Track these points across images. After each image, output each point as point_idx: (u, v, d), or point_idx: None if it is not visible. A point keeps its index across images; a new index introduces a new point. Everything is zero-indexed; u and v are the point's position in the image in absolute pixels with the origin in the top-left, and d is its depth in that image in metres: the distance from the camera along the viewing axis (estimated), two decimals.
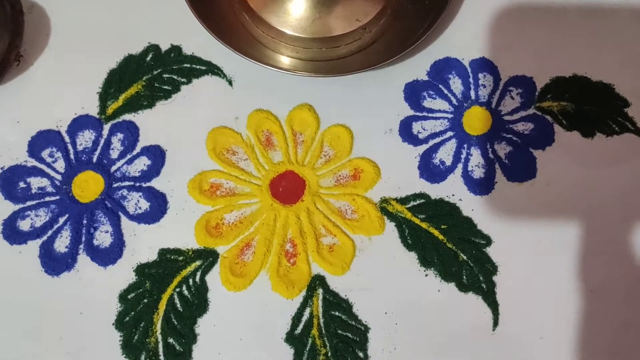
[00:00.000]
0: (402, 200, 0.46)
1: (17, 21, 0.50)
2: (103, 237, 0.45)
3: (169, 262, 0.45)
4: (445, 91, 0.49)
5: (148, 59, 0.50)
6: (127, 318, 0.43)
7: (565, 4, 0.52)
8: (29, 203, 0.46)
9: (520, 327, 0.43)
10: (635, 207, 0.46)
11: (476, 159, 0.47)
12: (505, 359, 0.43)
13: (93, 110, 0.48)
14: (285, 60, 0.49)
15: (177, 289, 0.44)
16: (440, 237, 0.45)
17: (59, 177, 0.46)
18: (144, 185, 0.46)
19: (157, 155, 0.47)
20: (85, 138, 0.47)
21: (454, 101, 0.49)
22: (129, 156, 0.47)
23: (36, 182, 0.46)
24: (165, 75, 0.49)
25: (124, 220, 0.45)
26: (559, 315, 0.44)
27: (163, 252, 0.45)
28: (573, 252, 0.45)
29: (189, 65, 0.50)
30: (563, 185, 0.46)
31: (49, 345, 0.43)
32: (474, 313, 0.44)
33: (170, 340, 0.43)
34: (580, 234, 0.45)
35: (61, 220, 0.45)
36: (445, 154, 0.48)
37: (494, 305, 0.44)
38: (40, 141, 0.47)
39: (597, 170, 0.47)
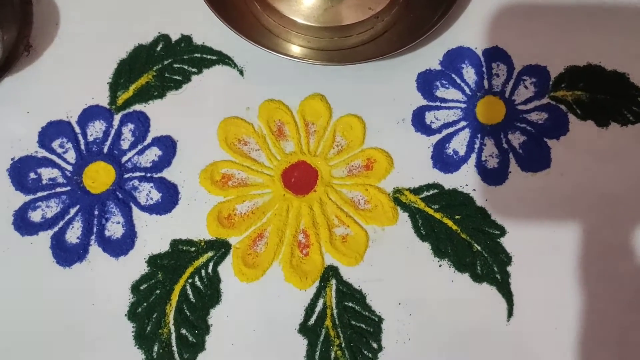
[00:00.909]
0: (416, 191, 0.46)
1: (25, 11, 0.50)
2: (115, 228, 0.45)
3: (181, 253, 0.45)
4: (459, 81, 0.49)
5: (158, 48, 0.50)
6: (140, 309, 0.44)
7: None
8: (39, 194, 0.46)
9: (535, 318, 0.44)
10: None
11: (490, 148, 0.47)
12: (520, 350, 0.43)
13: (103, 100, 0.48)
14: (296, 49, 0.49)
15: (190, 280, 0.44)
16: (454, 227, 0.46)
17: (69, 167, 0.47)
18: (155, 175, 0.47)
19: (168, 145, 0.47)
20: (96, 128, 0.48)
21: (467, 91, 0.49)
22: (139, 147, 0.47)
23: (47, 173, 0.46)
24: (175, 65, 0.49)
25: (136, 211, 0.46)
26: (574, 306, 0.44)
27: (175, 243, 0.45)
28: (588, 242, 0.45)
29: (199, 55, 0.50)
30: (578, 175, 0.47)
31: (61, 337, 0.43)
32: (489, 304, 0.44)
33: (183, 331, 0.43)
34: (596, 224, 0.46)
35: (72, 211, 0.46)
36: (458, 144, 0.48)
37: (508, 295, 0.44)
38: (51, 132, 0.47)
39: (612, 159, 0.47)
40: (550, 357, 0.43)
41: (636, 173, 0.47)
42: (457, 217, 0.46)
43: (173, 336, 0.43)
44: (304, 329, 0.43)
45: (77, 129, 0.48)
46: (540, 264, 0.45)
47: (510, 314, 0.43)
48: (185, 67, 0.49)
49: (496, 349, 0.43)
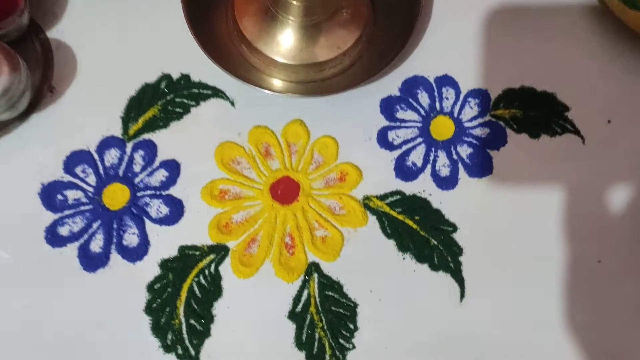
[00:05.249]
0: (382, 197, 0.52)
1: (47, 58, 0.54)
2: (131, 238, 0.50)
3: (188, 256, 0.49)
4: (415, 104, 0.55)
5: (162, 86, 0.54)
6: (155, 305, 0.48)
7: (514, 28, 0.58)
8: (66, 212, 0.50)
9: (482, 297, 0.49)
10: (575, 195, 0.52)
11: (442, 160, 0.53)
12: (470, 325, 0.49)
13: (117, 131, 0.53)
14: (278, 83, 0.55)
15: (196, 279, 0.49)
16: (414, 226, 0.51)
17: (91, 189, 0.51)
18: (163, 193, 0.51)
19: (173, 167, 0.52)
20: (112, 155, 0.52)
21: (422, 112, 0.55)
22: (149, 169, 0.52)
23: (72, 195, 0.51)
24: (177, 100, 0.54)
25: (148, 223, 0.50)
26: (513, 286, 0.50)
27: (182, 249, 0.49)
28: (524, 232, 0.51)
29: (197, 91, 0.54)
30: (515, 178, 0.52)
31: (89, 330, 0.47)
32: (444, 288, 0.49)
33: (192, 321, 0.48)
34: (529, 218, 0.51)
35: (95, 225, 0.50)
36: (416, 157, 0.53)
37: (460, 281, 0.50)
38: (74, 160, 0.52)
39: (543, 165, 0.53)
40: (494, 329, 0.49)
41: (563, 176, 0.53)
42: (416, 217, 0.51)
43: (183, 326, 0.47)
44: (292, 315, 0.48)
45: (96, 157, 0.52)
46: (486, 254, 0.50)
47: (462, 295, 0.49)
48: (185, 101, 0.54)
49: (450, 324, 0.49)
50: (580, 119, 0.55)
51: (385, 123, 0.55)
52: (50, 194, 0.52)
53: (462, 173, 0.53)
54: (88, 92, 0.54)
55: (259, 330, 0.49)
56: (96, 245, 0.50)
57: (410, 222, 0.52)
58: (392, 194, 0.53)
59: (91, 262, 0.50)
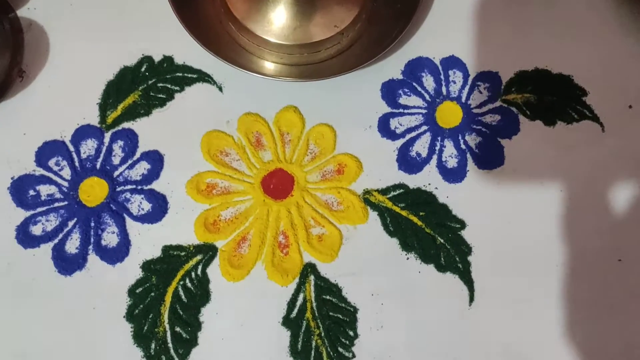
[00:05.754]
0: (383, 191, 0.50)
1: (17, 39, 0.52)
2: (110, 238, 0.48)
3: (172, 257, 0.48)
4: (419, 88, 0.52)
5: (143, 69, 0.52)
6: (137, 311, 0.46)
7: (527, 5, 0.55)
8: (39, 209, 0.48)
9: (494, 301, 0.47)
10: (594, 188, 0.50)
11: (449, 150, 0.51)
12: (481, 332, 0.46)
13: (94, 120, 0.51)
14: (270, 66, 0.52)
15: (181, 282, 0.47)
16: (419, 223, 0.49)
17: (65, 184, 0.49)
18: (145, 187, 0.49)
19: (156, 159, 0.50)
20: (88, 146, 0.50)
21: (427, 97, 0.52)
22: (129, 161, 0.50)
23: (45, 190, 0.49)
24: (159, 85, 0.52)
25: (129, 221, 0.48)
26: (528, 287, 0.47)
27: (166, 249, 0.48)
28: (538, 228, 0.49)
29: (181, 74, 0.52)
30: (528, 170, 0.50)
31: (66, 339, 0.46)
32: (452, 291, 0.47)
33: (177, 329, 0.46)
34: (544, 213, 0.49)
35: (70, 223, 0.48)
36: (421, 147, 0.51)
37: (469, 283, 0.47)
38: (47, 151, 0.50)
39: (559, 155, 0.50)
40: (507, 337, 0.46)
41: (581, 167, 0.50)
42: (421, 213, 0.49)
43: (168, 334, 0.46)
44: (287, 321, 0.46)
45: (71, 148, 0.50)
46: (498, 252, 0.48)
47: (471, 299, 0.47)
48: (169, 85, 0.52)
49: (460, 332, 0.46)
50: (599, 104, 0.52)
51: (387, 109, 0.52)
52: (21, 189, 0.49)
53: (470, 164, 0.51)
54: (61, 77, 0.53)
55: (251, 338, 0.46)
56: (72, 246, 0.48)
57: (415, 219, 0.49)
58: (395, 187, 0.50)
59: (67, 264, 0.48)
